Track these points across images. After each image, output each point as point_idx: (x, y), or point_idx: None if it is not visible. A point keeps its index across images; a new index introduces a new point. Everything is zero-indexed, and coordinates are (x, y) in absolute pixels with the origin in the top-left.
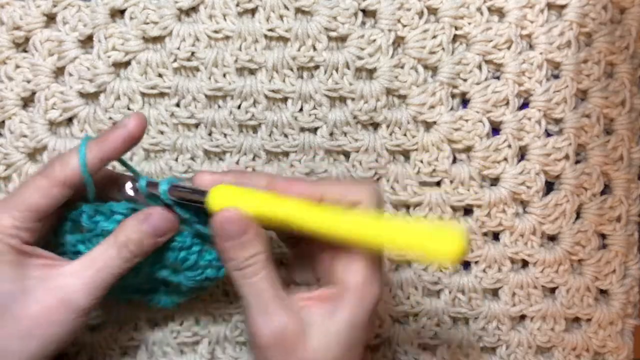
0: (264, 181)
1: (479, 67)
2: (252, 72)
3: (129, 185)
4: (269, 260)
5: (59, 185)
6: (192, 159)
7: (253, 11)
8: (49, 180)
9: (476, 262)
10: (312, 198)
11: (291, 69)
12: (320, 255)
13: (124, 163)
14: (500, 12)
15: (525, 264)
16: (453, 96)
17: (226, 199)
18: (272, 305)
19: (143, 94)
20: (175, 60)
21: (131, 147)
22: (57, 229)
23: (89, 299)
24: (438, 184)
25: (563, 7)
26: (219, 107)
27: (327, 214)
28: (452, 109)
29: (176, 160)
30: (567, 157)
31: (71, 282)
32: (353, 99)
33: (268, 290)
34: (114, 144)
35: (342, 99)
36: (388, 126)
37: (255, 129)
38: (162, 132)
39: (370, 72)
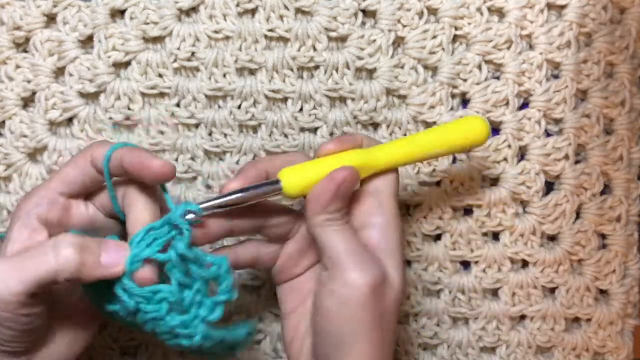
0: (301, 158)
1: (479, 67)
2: (252, 72)
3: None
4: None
5: (86, 159)
6: (192, 159)
7: (253, 11)
8: (80, 154)
9: (476, 262)
10: (357, 147)
11: (291, 69)
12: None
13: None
14: (500, 12)
15: (525, 264)
16: (453, 96)
17: (300, 177)
18: (364, 251)
19: (143, 94)
20: (175, 61)
21: (146, 179)
22: None
23: (12, 292)
24: (438, 184)
25: (563, 7)
26: (219, 107)
27: (384, 149)
28: (452, 109)
29: (176, 160)
30: (567, 157)
31: (8, 265)
32: (353, 99)
33: (356, 238)
34: (133, 160)
35: (342, 99)
36: (388, 126)
37: (255, 129)
38: (162, 132)
39: (370, 72)
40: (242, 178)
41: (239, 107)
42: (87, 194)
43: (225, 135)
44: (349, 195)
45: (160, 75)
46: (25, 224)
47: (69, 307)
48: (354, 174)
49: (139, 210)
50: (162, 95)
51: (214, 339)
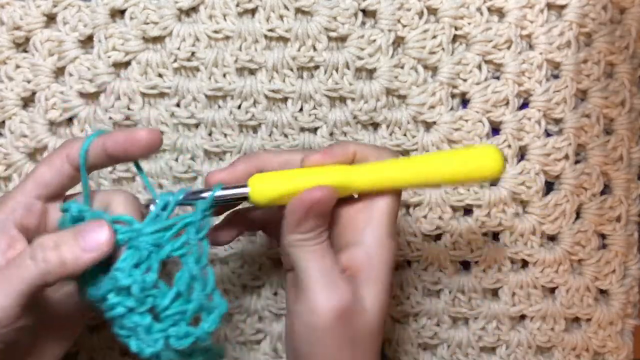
0: (297, 157)
1: (479, 67)
2: (252, 72)
3: (153, 206)
4: (328, 236)
5: (62, 157)
6: (192, 159)
7: (253, 11)
8: (55, 153)
9: (476, 262)
10: (346, 161)
11: (291, 69)
12: (337, 225)
13: (143, 175)
14: (500, 12)
15: (525, 264)
16: (453, 96)
17: (270, 187)
18: (334, 273)
19: (143, 94)
20: (175, 61)
21: (134, 154)
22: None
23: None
24: None
25: (563, 7)
26: (219, 107)
27: (371, 169)
28: (452, 109)
29: (176, 160)
30: (567, 157)
31: None
32: (353, 99)
33: (330, 258)
34: (118, 139)
35: (342, 99)
36: (388, 126)
37: (255, 129)
38: (162, 132)
39: (370, 72)
40: (229, 172)
41: (239, 107)
42: (64, 195)
43: (225, 135)
44: (324, 215)
45: (160, 75)
46: (3, 233)
47: (52, 317)
48: (328, 195)
49: (120, 204)
50: (162, 95)
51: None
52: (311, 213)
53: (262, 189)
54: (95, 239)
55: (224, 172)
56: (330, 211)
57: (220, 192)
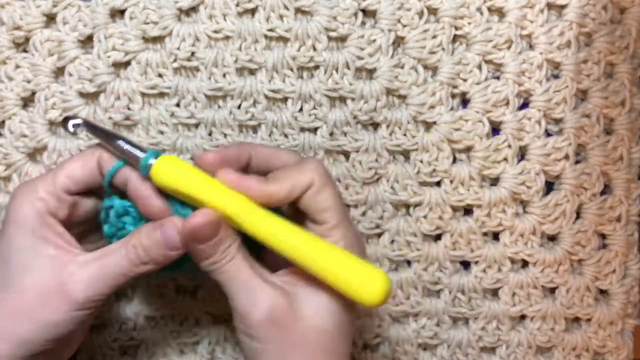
0: (284, 155)
1: (479, 67)
2: (252, 72)
3: (71, 123)
4: (239, 246)
5: (94, 157)
6: (192, 159)
7: (253, 11)
8: (90, 153)
9: (476, 262)
10: (238, 165)
11: (291, 69)
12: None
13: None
14: (500, 12)
15: (525, 264)
16: (453, 96)
17: (171, 174)
18: (254, 283)
19: (143, 94)
20: (175, 60)
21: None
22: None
23: (88, 293)
24: (438, 184)
25: (563, 7)
26: (219, 107)
27: (265, 221)
28: (452, 109)
29: None
30: (567, 157)
31: (76, 271)
32: (353, 99)
33: (246, 271)
34: (141, 192)
35: (342, 99)
36: (388, 126)
37: (255, 129)
38: (162, 132)
39: (370, 72)
40: (219, 153)
41: (239, 107)
42: (85, 192)
43: (225, 135)
44: (211, 240)
45: (160, 75)
46: (45, 224)
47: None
48: (209, 227)
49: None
50: (162, 95)
51: None
52: (196, 241)
53: (164, 171)
54: (170, 236)
55: (213, 152)
56: (230, 231)
57: (127, 146)
